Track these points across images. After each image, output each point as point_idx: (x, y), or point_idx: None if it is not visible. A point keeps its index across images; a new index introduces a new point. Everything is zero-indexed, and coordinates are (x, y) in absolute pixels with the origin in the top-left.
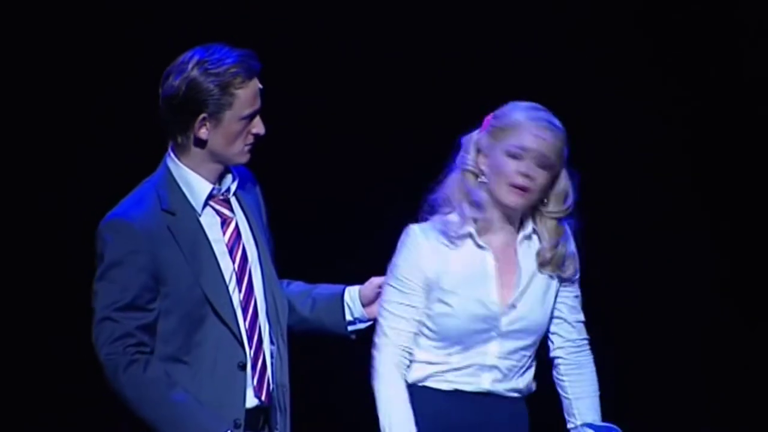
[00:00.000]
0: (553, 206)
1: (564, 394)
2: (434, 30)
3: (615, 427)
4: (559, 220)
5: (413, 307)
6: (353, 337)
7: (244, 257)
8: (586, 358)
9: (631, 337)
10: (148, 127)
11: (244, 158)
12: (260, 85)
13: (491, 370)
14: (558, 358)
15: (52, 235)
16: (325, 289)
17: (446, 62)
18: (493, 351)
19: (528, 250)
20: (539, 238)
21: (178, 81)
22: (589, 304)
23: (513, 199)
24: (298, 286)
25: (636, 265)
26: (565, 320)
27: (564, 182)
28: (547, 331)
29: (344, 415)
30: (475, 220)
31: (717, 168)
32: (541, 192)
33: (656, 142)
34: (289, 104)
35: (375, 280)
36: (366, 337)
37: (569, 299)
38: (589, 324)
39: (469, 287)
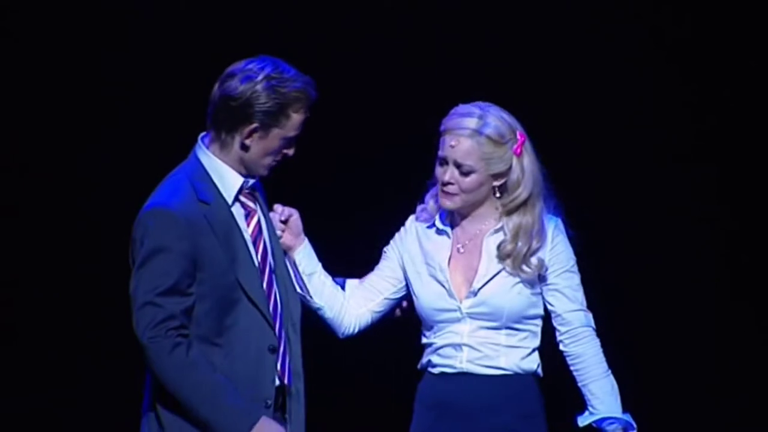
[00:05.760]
0: (505, 199)
1: (578, 384)
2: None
3: (630, 422)
4: (521, 214)
5: None
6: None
7: (265, 249)
8: (584, 347)
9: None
10: (152, 126)
11: (266, 173)
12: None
13: (463, 348)
14: (563, 351)
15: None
16: None
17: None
18: (462, 330)
19: (496, 242)
20: (504, 231)
21: (243, 86)
22: (597, 299)
23: (444, 202)
24: (343, 279)
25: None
26: (557, 312)
27: (515, 176)
28: (530, 319)
29: (358, 405)
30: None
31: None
32: (478, 191)
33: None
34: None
35: None
36: (384, 336)
37: (558, 290)
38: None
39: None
